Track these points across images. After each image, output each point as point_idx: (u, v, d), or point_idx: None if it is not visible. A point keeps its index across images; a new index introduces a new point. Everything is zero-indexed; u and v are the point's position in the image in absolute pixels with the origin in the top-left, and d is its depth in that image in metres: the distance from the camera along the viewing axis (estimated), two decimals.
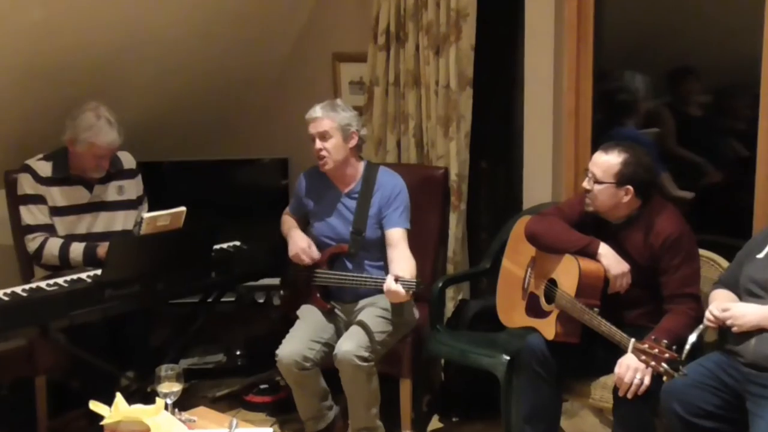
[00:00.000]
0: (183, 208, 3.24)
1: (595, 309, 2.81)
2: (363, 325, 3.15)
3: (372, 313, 3.21)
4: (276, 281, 3.57)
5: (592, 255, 2.89)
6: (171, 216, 3.21)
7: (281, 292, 3.47)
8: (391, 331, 3.22)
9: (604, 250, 2.89)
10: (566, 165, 3.69)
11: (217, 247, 3.49)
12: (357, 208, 3.26)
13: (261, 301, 4.15)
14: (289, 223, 3.45)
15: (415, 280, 2.96)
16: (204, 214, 3.47)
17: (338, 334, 3.24)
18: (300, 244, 3.28)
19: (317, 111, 3.24)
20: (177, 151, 4.18)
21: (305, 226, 3.43)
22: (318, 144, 3.21)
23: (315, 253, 3.27)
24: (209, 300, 3.59)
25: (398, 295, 2.95)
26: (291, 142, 4.25)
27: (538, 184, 3.72)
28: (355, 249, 3.25)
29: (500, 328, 3.29)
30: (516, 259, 3.24)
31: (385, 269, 3.23)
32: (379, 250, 3.27)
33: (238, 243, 3.60)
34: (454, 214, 3.81)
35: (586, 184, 2.94)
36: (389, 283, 2.96)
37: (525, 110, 3.73)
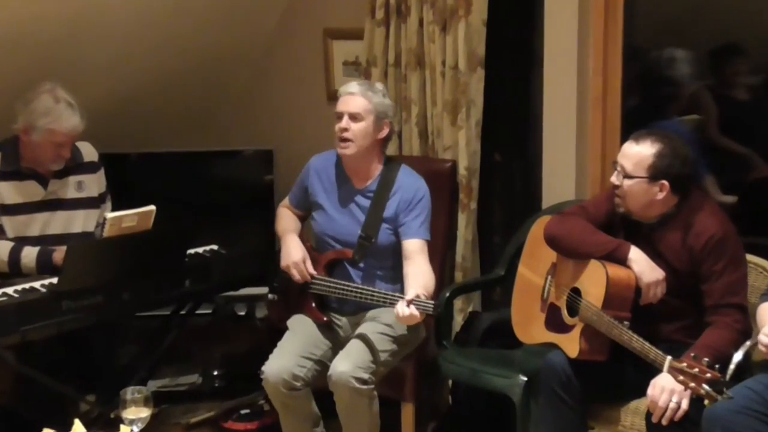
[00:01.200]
0: (152, 207, 3.24)
1: (626, 322, 2.80)
2: (363, 342, 3.14)
3: (374, 328, 3.20)
4: (260, 290, 3.58)
5: (622, 260, 2.89)
6: (138, 216, 3.21)
7: (270, 296, 3.45)
8: (396, 350, 3.22)
9: (636, 255, 2.89)
10: (592, 157, 3.68)
11: (191, 251, 3.49)
12: (370, 208, 3.25)
13: (242, 313, 4.15)
14: (285, 222, 3.43)
15: (431, 302, 2.94)
16: (176, 214, 3.47)
17: (334, 350, 3.23)
18: (293, 257, 3.27)
19: (353, 86, 3.24)
20: (145, 141, 4.17)
21: (305, 221, 3.43)
22: (344, 123, 3.20)
23: (310, 269, 3.27)
24: (182, 312, 3.59)
25: (411, 319, 2.96)
26: (276, 132, 4.25)
27: (559, 180, 3.71)
28: (360, 256, 3.25)
29: (516, 345, 3.28)
30: (534, 266, 3.23)
31: (396, 281, 3.23)
32: (390, 258, 3.26)
33: (215, 247, 3.60)
34: (463, 213, 3.81)
35: (614, 180, 2.94)
36: (401, 309, 2.95)
37: (544, 95, 3.72)
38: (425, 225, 3.24)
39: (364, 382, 3.06)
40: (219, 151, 4.25)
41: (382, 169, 3.28)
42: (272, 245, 3.90)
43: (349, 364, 3.06)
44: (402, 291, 3.13)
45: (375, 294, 3.12)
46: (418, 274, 3.13)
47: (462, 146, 3.77)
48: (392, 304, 3.01)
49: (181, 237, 3.34)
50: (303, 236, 3.39)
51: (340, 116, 3.21)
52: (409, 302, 2.93)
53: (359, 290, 3.16)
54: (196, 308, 3.63)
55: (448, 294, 3.49)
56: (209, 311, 4.00)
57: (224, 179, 4.22)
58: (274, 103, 4.36)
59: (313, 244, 3.39)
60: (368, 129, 3.20)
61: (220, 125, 4.40)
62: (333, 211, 3.31)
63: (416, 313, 2.92)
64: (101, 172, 3.51)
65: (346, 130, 3.19)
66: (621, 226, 3.00)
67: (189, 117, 4.30)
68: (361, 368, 3.06)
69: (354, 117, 3.19)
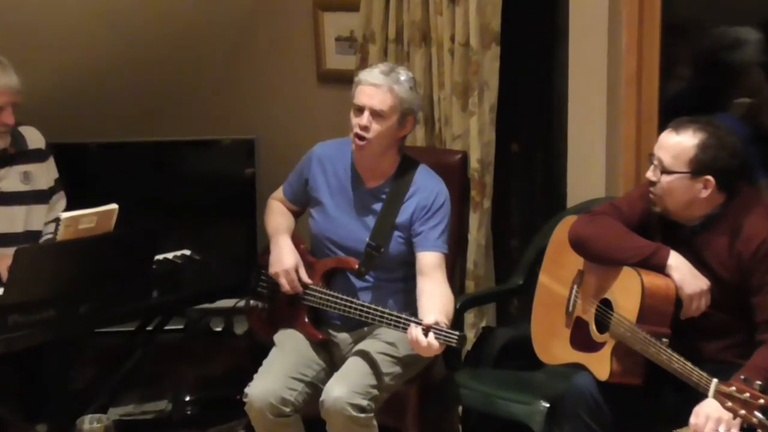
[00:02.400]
0: (114, 206, 3.22)
1: (664, 339, 2.80)
2: (362, 362, 3.13)
3: (375, 346, 3.20)
4: (240, 303, 3.55)
5: (660, 267, 2.88)
6: (98, 216, 3.19)
7: (251, 302, 3.42)
8: (399, 372, 3.21)
9: (676, 261, 2.88)
10: (625, 148, 3.69)
11: (160, 257, 3.48)
12: (382, 212, 3.24)
13: (219, 329, 4.16)
14: (276, 219, 3.40)
15: (455, 334, 2.90)
16: (143, 214, 3.48)
17: (328, 371, 3.23)
18: (285, 263, 3.25)
19: (378, 77, 3.18)
20: (107, 129, 4.16)
21: (299, 218, 3.42)
22: (365, 120, 3.15)
23: (304, 278, 3.25)
24: (149, 328, 3.59)
25: (429, 351, 2.92)
26: (259, 118, 4.25)
27: (587, 174, 3.71)
28: (367, 268, 3.23)
29: (537, 366, 3.28)
30: (558, 274, 3.23)
31: (407, 296, 3.21)
32: (400, 269, 3.26)
33: (188, 252, 3.59)
34: (475, 213, 3.81)
35: (650, 175, 2.93)
36: (417, 336, 2.91)
37: (570, 75, 3.72)
38: (444, 236, 3.23)
39: (361, 409, 3.04)
40: (192, 141, 4.24)
41: (397, 168, 3.27)
42: (254, 248, 3.90)
43: (344, 388, 3.05)
44: (413, 309, 3.11)
45: (385, 315, 3.07)
46: (437, 295, 3.10)
47: (474, 135, 3.77)
48: (405, 329, 2.99)
49: (148, 240, 3.32)
50: (297, 236, 3.37)
51: (359, 109, 3.17)
52: (428, 329, 2.90)
53: (365, 309, 3.13)
54: (166, 323, 3.62)
55: (458, 306, 3.46)
56: (180, 327, 4.00)
57: (198, 173, 4.22)
58: (256, 85, 4.35)
59: (309, 246, 3.37)
60: (392, 128, 3.18)
61: (193, 111, 4.39)
62: (337, 211, 3.29)
63: (435, 343, 2.89)
64: (51, 162, 3.50)
65: (366, 128, 3.16)
66: (658, 229, 2.99)
67: (158, 101, 4.29)
68: (358, 393, 3.04)
69: (377, 115, 3.16)
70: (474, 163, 3.78)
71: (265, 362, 3.21)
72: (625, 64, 3.63)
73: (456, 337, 2.89)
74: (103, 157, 4.12)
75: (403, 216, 3.23)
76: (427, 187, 3.26)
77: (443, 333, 2.90)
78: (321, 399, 3.07)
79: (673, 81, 3.77)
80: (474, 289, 3.83)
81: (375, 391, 3.09)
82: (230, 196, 4.17)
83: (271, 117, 4.31)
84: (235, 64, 4.39)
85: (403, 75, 3.22)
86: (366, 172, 3.29)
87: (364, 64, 3.95)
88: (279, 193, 3.47)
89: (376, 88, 3.16)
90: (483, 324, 3.88)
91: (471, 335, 3.82)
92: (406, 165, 3.29)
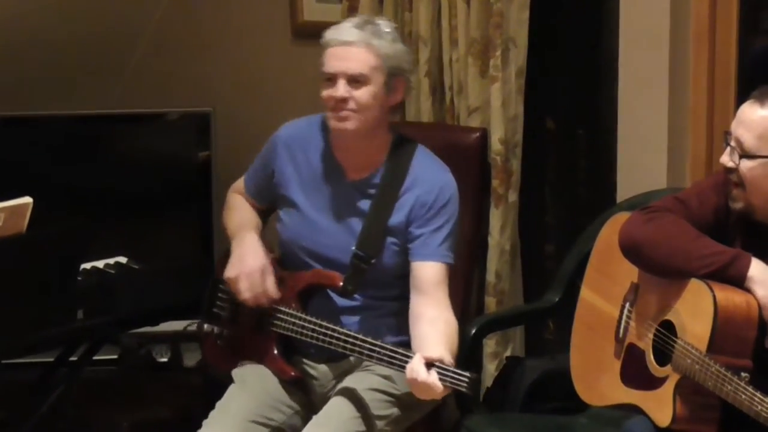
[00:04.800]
0: (27, 200, 3.22)
1: (744, 374, 2.78)
2: (348, 401, 3.13)
3: (365, 382, 3.20)
4: (191, 326, 3.60)
5: (738, 280, 2.87)
6: (6, 212, 3.19)
7: (206, 326, 3.41)
8: (397, 415, 3.21)
9: (759, 272, 2.87)
10: (693, 125, 3.71)
11: (86, 266, 3.48)
12: (371, 212, 3.24)
13: (164, 359, 4.18)
14: (238, 214, 3.41)
15: (465, 375, 2.86)
16: (64, 210, 3.49)
17: (305, 414, 3.23)
18: (248, 265, 3.24)
19: (350, 32, 3.17)
20: (16, 99, 4.17)
21: (266, 219, 3.42)
22: (341, 91, 3.15)
23: (270, 287, 3.26)
24: (73, 358, 3.59)
25: (431, 392, 2.90)
26: (216, 86, 4.25)
27: (643, 159, 3.74)
28: (354, 286, 3.22)
29: (578, 408, 3.29)
30: (605, 288, 3.24)
31: (405, 321, 3.20)
32: (396, 285, 3.26)
33: (123, 260, 3.59)
34: (497, 209, 3.84)
35: (726, 159, 2.93)
36: (417, 370, 2.89)
37: (621, 29, 3.74)
38: (449, 242, 3.21)
39: None
40: (129, 115, 4.27)
41: (389, 153, 3.29)
42: (210, 255, 3.90)
43: None
44: (407, 334, 3.13)
45: (378, 349, 3.05)
46: (439, 321, 3.10)
47: (496, 108, 3.79)
48: (402, 367, 2.98)
49: (71, 244, 3.32)
50: (266, 242, 3.37)
51: (331, 79, 3.17)
52: (430, 364, 2.90)
53: (353, 341, 3.11)
54: (94, 352, 3.61)
55: (474, 330, 3.48)
56: (114, 357, 4.02)
57: (137, 157, 4.23)
58: (213, 44, 4.37)
59: (279, 256, 3.38)
60: (378, 95, 3.17)
61: (130, 76, 4.40)
62: (313, 212, 3.29)
63: (438, 385, 2.88)
64: None
65: (344, 101, 3.17)
66: (738, 231, 2.99)
67: (84, 64, 4.29)
68: None
69: (355, 80, 3.16)
70: (496, 144, 3.80)
71: (218, 404, 3.21)
72: (693, 15, 3.65)
73: (466, 380, 2.87)
74: (11, 136, 4.11)
75: (397, 216, 3.22)
76: (428, 177, 3.25)
77: (450, 373, 2.88)
78: None
79: (758, 36, 3.78)
80: (496, 308, 3.86)
81: None
82: (179, 186, 4.18)
83: (231, 83, 4.31)
84: (184, 16, 4.39)
85: (384, 25, 3.22)
86: (348, 160, 3.28)
87: (352, 15, 3.93)
88: (240, 184, 3.46)
89: (349, 46, 3.15)
90: (508, 353, 3.91)
91: (492, 368, 3.84)
92: (400, 148, 3.28)
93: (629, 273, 3.12)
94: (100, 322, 3.44)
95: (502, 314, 3.81)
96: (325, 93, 3.16)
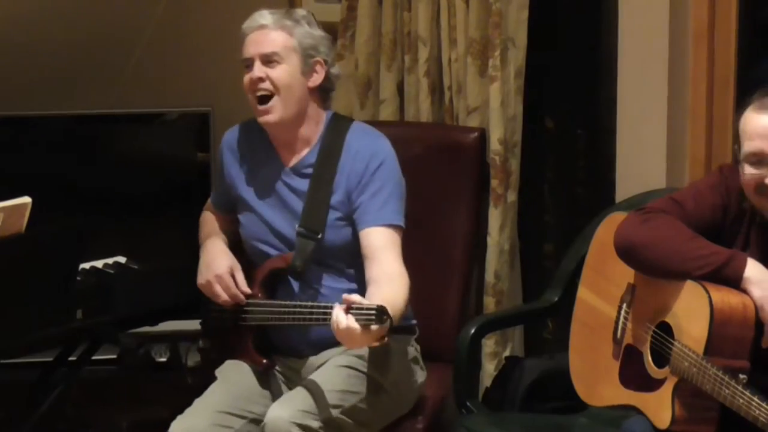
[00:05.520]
0: (26, 200, 3.22)
1: (741, 376, 2.77)
2: (315, 381, 3.15)
3: (339, 360, 3.23)
4: (191, 325, 3.60)
5: (734, 280, 2.86)
6: (5, 212, 3.19)
7: (201, 342, 3.49)
8: (365, 395, 3.21)
9: (755, 272, 2.86)
10: (692, 123, 3.70)
11: (85, 266, 3.48)
12: (310, 191, 3.28)
13: (163, 359, 4.18)
14: (206, 228, 3.46)
15: (371, 308, 2.88)
16: (63, 210, 3.49)
17: None
18: (215, 268, 3.28)
19: (264, 16, 3.28)
20: (14, 99, 4.17)
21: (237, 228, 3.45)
22: (256, 71, 3.23)
23: (242, 285, 3.28)
24: (72, 358, 3.58)
25: (352, 337, 2.91)
26: (216, 85, 4.24)
27: (642, 158, 3.74)
28: (302, 262, 3.25)
29: (578, 408, 3.29)
30: (602, 288, 3.23)
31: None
32: (353, 262, 3.28)
33: (122, 259, 3.59)
34: (496, 209, 3.83)
35: (755, 173, 2.85)
36: (338, 319, 2.91)
37: (620, 29, 3.74)
38: (392, 203, 3.24)
39: (308, 430, 3.04)
40: (128, 115, 4.26)
41: (322, 133, 3.31)
42: None
43: (288, 408, 3.06)
44: None
45: (313, 311, 3.11)
46: (383, 280, 3.12)
47: (495, 108, 3.78)
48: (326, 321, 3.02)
49: (71, 244, 3.31)
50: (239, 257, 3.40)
51: (249, 64, 3.25)
52: (348, 308, 2.91)
53: (293, 309, 3.18)
54: (93, 352, 3.59)
55: (472, 330, 3.47)
56: (113, 356, 4.01)
57: (137, 156, 4.23)
58: (212, 44, 4.35)
59: (249, 257, 3.42)
60: (293, 74, 3.24)
61: (130, 77, 4.39)
62: (260, 204, 3.34)
63: (356, 326, 2.89)
64: None
65: (261, 80, 3.22)
66: (740, 226, 2.97)
67: (83, 64, 4.29)
68: (308, 413, 3.05)
69: (269, 59, 3.23)
70: (495, 144, 3.79)
71: (197, 399, 3.26)
72: (693, 15, 3.64)
73: (374, 312, 2.87)
74: (10, 136, 4.11)
75: (338, 193, 3.27)
76: (362, 148, 3.28)
77: (362, 310, 2.89)
78: (262, 423, 3.09)
79: (757, 36, 3.77)
80: (495, 308, 3.85)
81: (333, 413, 3.10)
82: (178, 185, 4.18)
83: (230, 83, 4.28)
84: (184, 16, 4.39)
85: (300, 12, 3.34)
86: (284, 147, 3.33)
87: (351, 14, 3.98)
88: (209, 201, 3.54)
89: (263, 29, 3.26)
90: (507, 353, 3.90)
91: (491, 368, 3.84)
92: (334, 127, 3.33)
93: (625, 273, 3.11)
94: (100, 322, 3.43)
95: (501, 314, 3.80)
96: (245, 78, 3.26)
